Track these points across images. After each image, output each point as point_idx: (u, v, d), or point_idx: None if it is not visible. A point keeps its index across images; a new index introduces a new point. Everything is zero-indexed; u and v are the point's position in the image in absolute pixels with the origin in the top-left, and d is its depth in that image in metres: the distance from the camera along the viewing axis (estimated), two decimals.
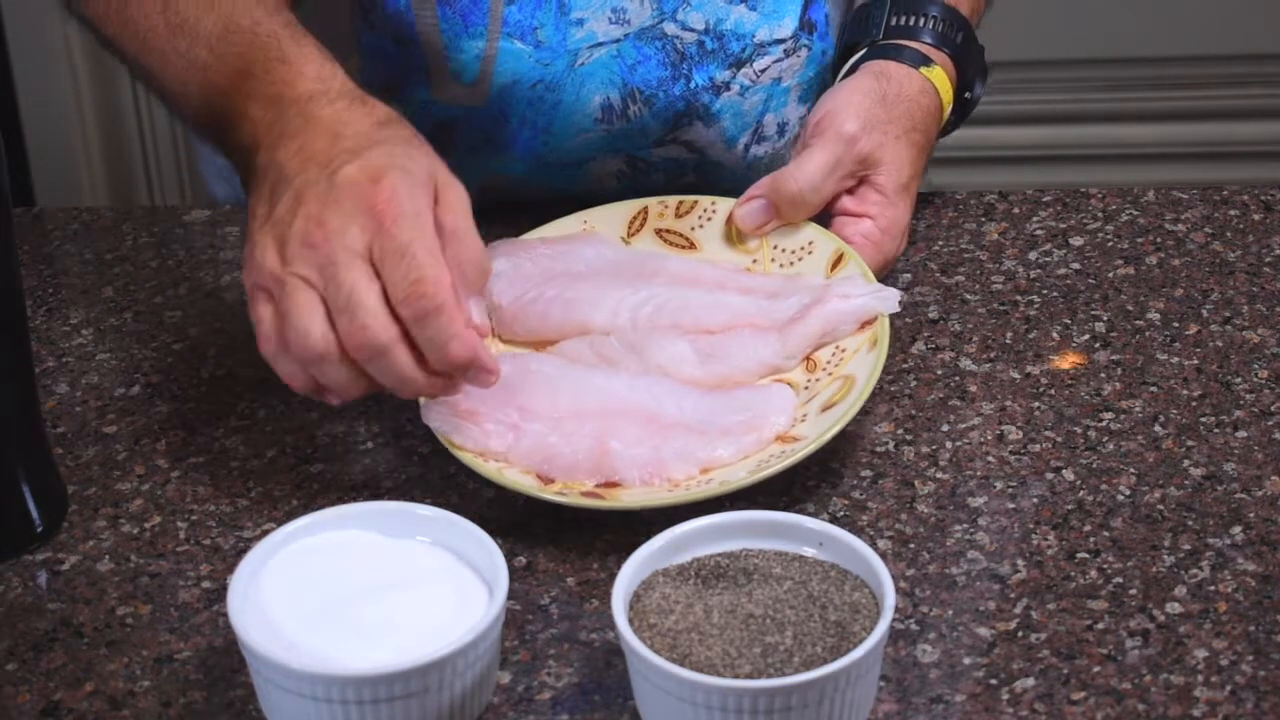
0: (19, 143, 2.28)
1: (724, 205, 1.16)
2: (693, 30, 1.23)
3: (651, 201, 1.18)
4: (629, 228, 1.18)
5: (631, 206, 1.18)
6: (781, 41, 1.26)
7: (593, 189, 1.29)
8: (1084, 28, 2.23)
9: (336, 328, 0.98)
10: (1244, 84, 2.34)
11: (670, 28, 1.23)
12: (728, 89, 1.26)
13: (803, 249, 1.14)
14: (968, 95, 1.26)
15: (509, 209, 1.24)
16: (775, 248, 1.14)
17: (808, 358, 1.09)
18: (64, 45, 2.24)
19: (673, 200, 1.17)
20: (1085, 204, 1.29)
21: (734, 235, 1.16)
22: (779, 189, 1.16)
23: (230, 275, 1.26)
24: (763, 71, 1.26)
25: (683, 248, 1.16)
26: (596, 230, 1.17)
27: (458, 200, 1.01)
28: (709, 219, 1.16)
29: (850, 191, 1.19)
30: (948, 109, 1.24)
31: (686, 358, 1.09)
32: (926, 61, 1.22)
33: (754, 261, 1.14)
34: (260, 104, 1.04)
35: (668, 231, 1.17)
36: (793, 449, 1.02)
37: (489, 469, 1.02)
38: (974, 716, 0.94)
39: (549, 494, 1.02)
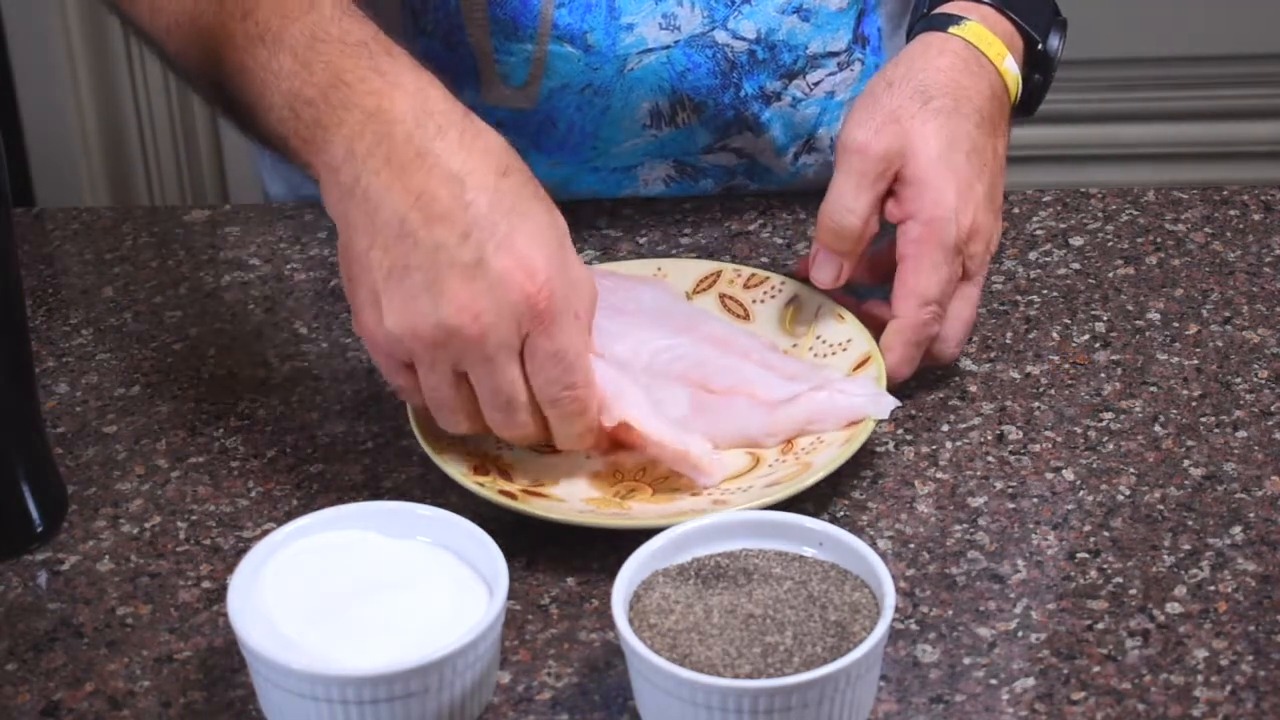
0: (19, 143, 2.28)
1: (791, 286, 1.15)
2: (744, 39, 1.22)
3: (727, 267, 1.17)
4: (697, 285, 1.17)
5: (706, 267, 1.17)
6: (835, 55, 1.24)
7: (640, 193, 1.29)
8: (1084, 28, 2.23)
9: (485, 416, 1.01)
10: (1244, 84, 2.34)
11: (721, 35, 1.22)
12: (779, 99, 1.24)
13: (840, 345, 1.11)
14: (1040, 47, 1.16)
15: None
16: (818, 338, 1.12)
17: (789, 441, 1.08)
18: (64, 45, 2.24)
19: (746, 271, 1.16)
20: (1085, 204, 1.29)
21: (788, 319, 1.14)
22: (820, 229, 1.11)
23: (230, 275, 1.26)
24: (816, 84, 1.24)
25: (739, 316, 1.15)
26: (667, 278, 1.17)
27: (569, 245, 1.01)
28: (773, 296, 1.15)
29: (892, 194, 1.10)
30: (1000, 60, 1.13)
31: (679, 398, 1.09)
32: (955, 21, 1.13)
33: (794, 345, 1.13)
34: (356, 117, 0.99)
35: (730, 298, 1.16)
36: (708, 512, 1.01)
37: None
38: (974, 716, 0.94)
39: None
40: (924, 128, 1.09)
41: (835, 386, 1.08)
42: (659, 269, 1.18)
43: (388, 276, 0.97)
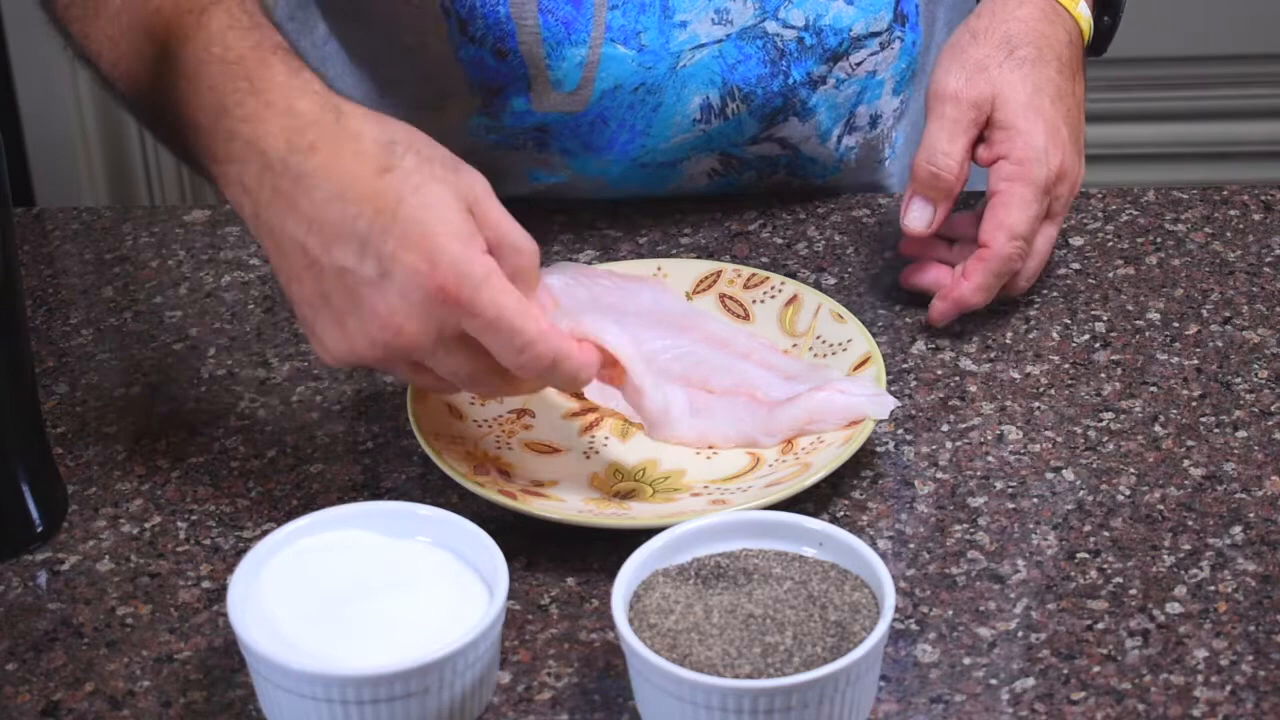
0: (19, 143, 2.28)
1: (791, 287, 1.15)
2: (793, 27, 1.22)
3: (727, 267, 1.17)
4: (697, 285, 1.17)
5: (706, 266, 1.17)
6: (877, 34, 1.24)
7: (684, 188, 1.29)
8: None
9: (462, 388, 1.01)
10: (1244, 84, 2.34)
11: (771, 25, 1.22)
12: (824, 83, 1.25)
13: (840, 345, 1.12)
14: None
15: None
16: (818, 338, 1.13)
17: (789, 441, 1.08)
18: (64, 45, 2.23)
19: (746, 271, 1.16)
20: (1085, 204, 1.29)
21: (787, 319, 1.14)
22: (916, 176, 1.16)
23: (230, 275, 1.26)
24: (859, 65, 1.25)
25: (739, 316, 1.15)
26: (668, 278, 1.17)
27: (487, 204, 0.99)
28: (772, 296, 1.15)
29: (982, 140, 1.16)
30: (1074, 5, 1.19)
31: (678, 404, 1.09)
32: None
33: (794, 345, 1.13)
34: (239, 149, 0.98)
35: (730, 298, 1.16)
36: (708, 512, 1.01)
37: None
38: (974, 716, 0.94)
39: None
40: (1011, 75, 1.15)
41: (835, 386, 1.08)
42: (659, 269, 1.18)
43: (312, 307, 0.98)
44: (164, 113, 1.03)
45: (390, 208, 0.96)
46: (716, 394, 1.09)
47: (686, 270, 1.18)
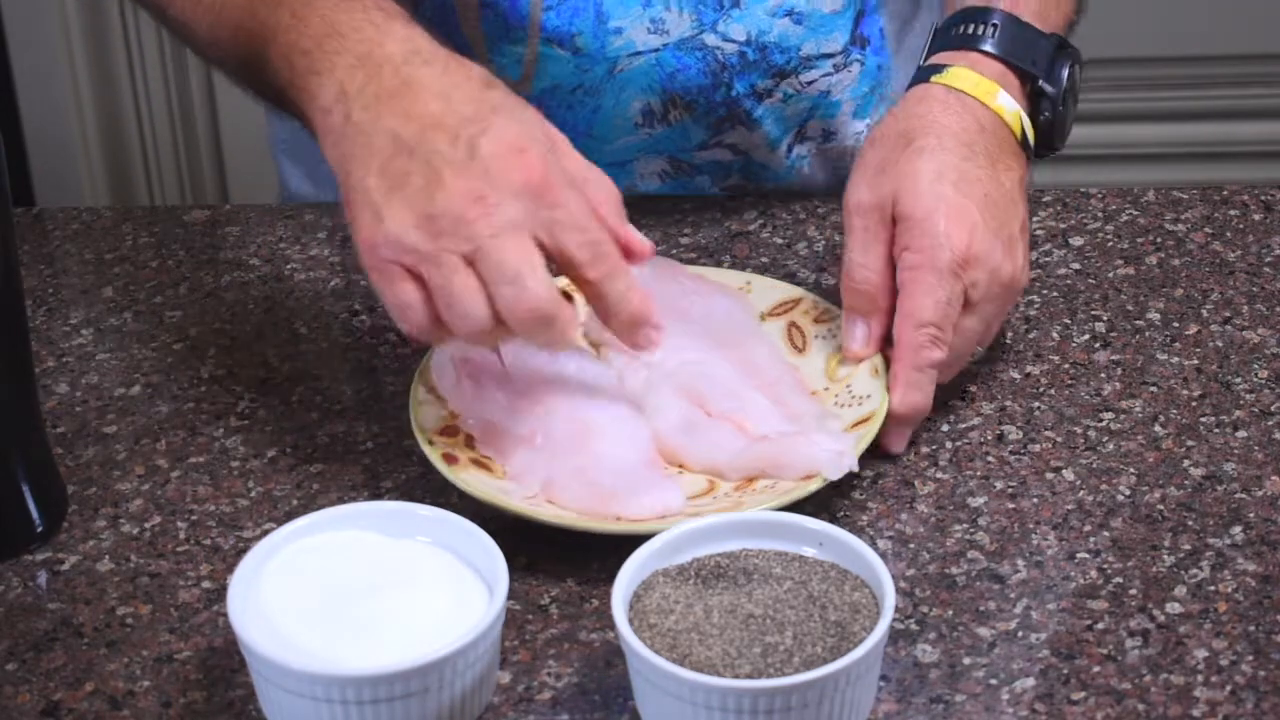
0: (19, 143, 2.28)
1: None
2: (734, 41, 1.23)
3: (808, 297, 1.16)
4: (774, 307, 1.16)
5: (790, 292, 1.16)
6: (830, 56, 1.24)
7: (636, 187, 1.29)
8: (1084, 28, 2.23)
9: (496, 300, 0.99)
10: (1244, 84, 2.34)
11: (710, 39, 1.23)
12: (770, 96, 1.25)
13: (860, 398, 1.09)
14: (1041, 83, 1.15)
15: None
16: (848, 388, 1.10)
17: (749, 479, 1.06)
18: (64, 45, 2.24)
19: (823, 304, 1.15)
20: (1085, 204, 1.29)
21: (834, 362, 1.12)
22: (845, 295, 1.11)
23: (230, 275, 1.26)
24: (810, 84, 1.25)
25: (796, 348, 1.14)
26: (753, 293, 1.16)
27: (568, 146, 1.03)
28: (834, 335, 1.13)
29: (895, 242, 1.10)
30: (990, 97, 1.13)
31: (672, 410, 1.08)
32: (937, 70, 1.14)
33: (825, 389, 1.11)
34: (348, 61, 1.03)
35: (796, 327, 1.15)
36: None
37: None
38: (974, 716, 0.94)
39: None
40: (908, 166, 1.10)
41: (808, 436, 1.05)
42: (748, 283, 1.17)
43: (388, 192, 1.00)
44: (253, 39, 1.09)
45: (488, 112, 1.01)
46: (711, 416, 1.09)
47: (773, 291, 1.16)
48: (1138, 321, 1.18)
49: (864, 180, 1.11)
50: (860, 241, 1.10)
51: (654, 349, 1.04)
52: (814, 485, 1.03)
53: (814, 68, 1.24)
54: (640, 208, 1.29)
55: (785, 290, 1.17)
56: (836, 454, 1.03)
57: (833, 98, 1.26)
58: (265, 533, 1.03)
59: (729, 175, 1.29)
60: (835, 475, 1.03)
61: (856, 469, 1.04)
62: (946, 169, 1.09)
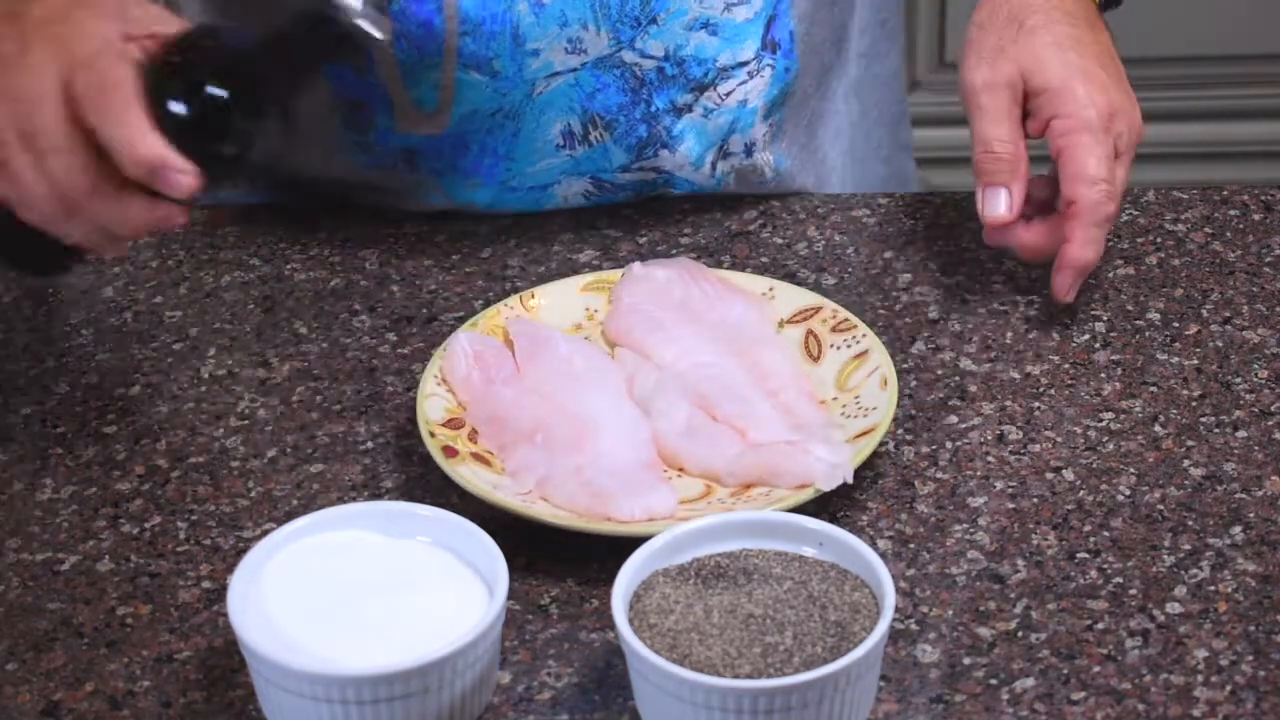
0: None
1: (868, 341, 1.12)
2: (652, 57, 1.22)
3: (828, 305, 1.15)
4: (794, 315, 1.16)
5: (810, 299, 1.16)
6: (745, 64, 1.24)
7: (561, 207, 1.29)
8: None
9: (47, 176, 1.00)
10: (1244, 84, 2.34)
11: (629, 56, 1.22)
12: (690, 111, 1.25)
13: (866, 410, 1.09)
14: None
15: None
16: (856, 399, 1.10)
17: (745, 486, 1.05)
18: None
19: (843, 314, 1.14)
20: None
21: (846, 371, 1.12)
22: (979, 167, 1.17)
23: (230, 275, 1.26)
24: (728, 95, 1.25)
25: (812, 356, 1.14)
26: (775, 299, 1.16)
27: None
28: (849, 345, 1.13)
29: (1027, 116, 1.18)
30: None
31: (677, 413, 1.08)
32: None
33: (834, 398, 1.11)
34: None
35: (814, 335, 1.14)
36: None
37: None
38: (974, 716, 0.94)
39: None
40: (1029, 45, 1.18)
41: (805, 445, 1.05)
42: (770, 289, 1.16)
43: None
44: None
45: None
46: (717, 420, 1.09)
47: (794, 299, 1.16)
48: (1138, 321, 1.18)
49: (984, 61, 1.18)
50: (991, 116, 1.17)
51: (186, 190, 1.02)
52: (807, 495, 1.03)
53: (730, 77, 1.24)
54: (641, 208, 1.29)
55: (805, 298, 1.16)
56: (832, 466, 1.03)
57: (749, 105, 1.26)
58: (265, 533, 1.03)
59: (655, 189, 1.29)
60: (829, 487, 1.03)
61: (851, 481, 1.04)
62: (1063, 39, 1.18)
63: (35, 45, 1.00)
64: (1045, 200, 1.19)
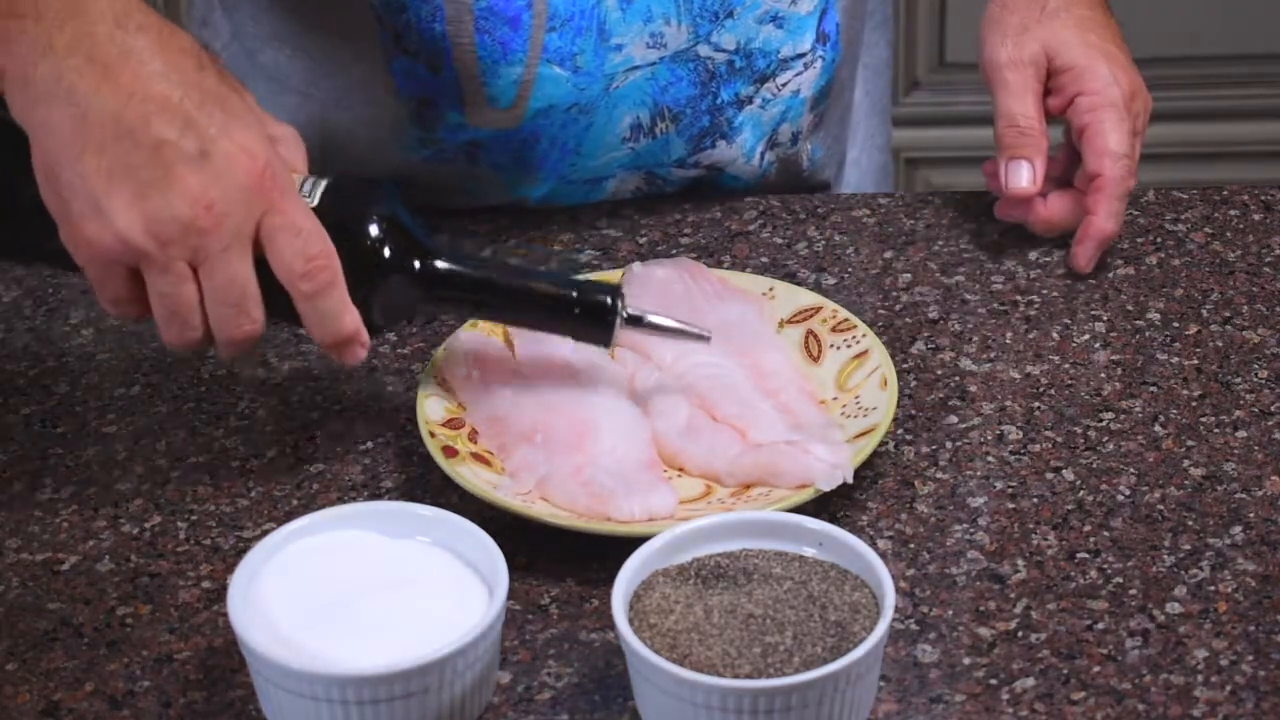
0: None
1: (867, 341, 1.12)
2: (725, 51, 1.24)
3: (827, 305, 1.15)
4: (794, 315, 1.15)
5: (810, 299, 1.16)
6: (802, 55, 1.26)
7: (608, 201, 1.29)
8: None
9: (211, 316, 0.99)
10: (1244, 84, 2.34)
11: (704, 49, 1.23)
12: (750, 103, 1.26)
13: (866, 410, 1.09)
14: None
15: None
16: (856, 399, 1.10)
17: (745, 486, 1.05)
18: None
19: (842, 314, 1.14)
20: None
21: (846, 372, 1.12)
22: (1002, 142, 1.22)
23: None
24: (784, 85, 1.27)
25: (811, 356, 1.14)
26: (775, 299, 1.16)
27: (296, 142, 1.04)
28: (849, 345, 1.13)
29: (1049, 94, 1.23)
30: None
31: (677, 413, 1.08)
32: None
33: (834, 399, 1.11)
34: (55, 9, 0.96)
35: (814, 336, 1.15)
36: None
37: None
38: (974, 716, 0.94)
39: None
40: (1052, 25, 1.23)
41: (805, 445, 1.05)
42: (770, 289, 1.16)
43: (109, 179, 0.96)
44: None
45: (216, 98, 0.97)
46: (718, 420, 1.09)
47: (794, 298, 1.16)
48: (1138, 321, 1.18)
49: (1008, 38, 1.24)
50: (1016, 92, 1.23)
51: (358, 361, 1.04)
52: (807, 495, 1.03)
53: (788, 69, 1.26)
54: (641, 208, 1.29)
55: (805, 298, 1.16)
56: (832, 466, 1.04)
57: (801, 95, 1.27)
58: (265, 533, 1.03)
59: (700, 185, 1.30)
60: (828, 487, 1.03)
61: (851, 481, 1.04)
62: (1084, 21, 1.24)
63: (224, 175, 0.97)
64: (1059, 177, 1.24)
